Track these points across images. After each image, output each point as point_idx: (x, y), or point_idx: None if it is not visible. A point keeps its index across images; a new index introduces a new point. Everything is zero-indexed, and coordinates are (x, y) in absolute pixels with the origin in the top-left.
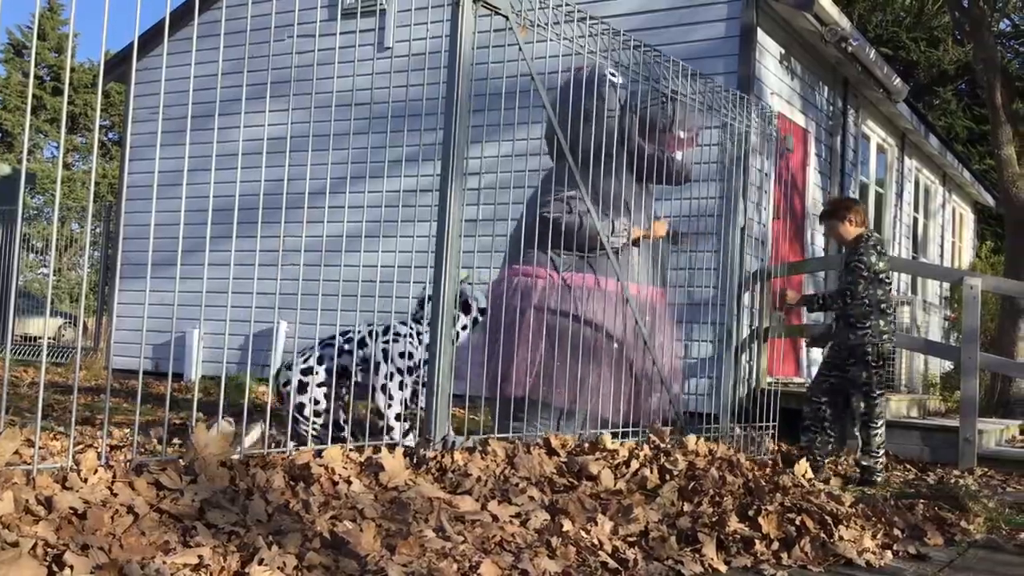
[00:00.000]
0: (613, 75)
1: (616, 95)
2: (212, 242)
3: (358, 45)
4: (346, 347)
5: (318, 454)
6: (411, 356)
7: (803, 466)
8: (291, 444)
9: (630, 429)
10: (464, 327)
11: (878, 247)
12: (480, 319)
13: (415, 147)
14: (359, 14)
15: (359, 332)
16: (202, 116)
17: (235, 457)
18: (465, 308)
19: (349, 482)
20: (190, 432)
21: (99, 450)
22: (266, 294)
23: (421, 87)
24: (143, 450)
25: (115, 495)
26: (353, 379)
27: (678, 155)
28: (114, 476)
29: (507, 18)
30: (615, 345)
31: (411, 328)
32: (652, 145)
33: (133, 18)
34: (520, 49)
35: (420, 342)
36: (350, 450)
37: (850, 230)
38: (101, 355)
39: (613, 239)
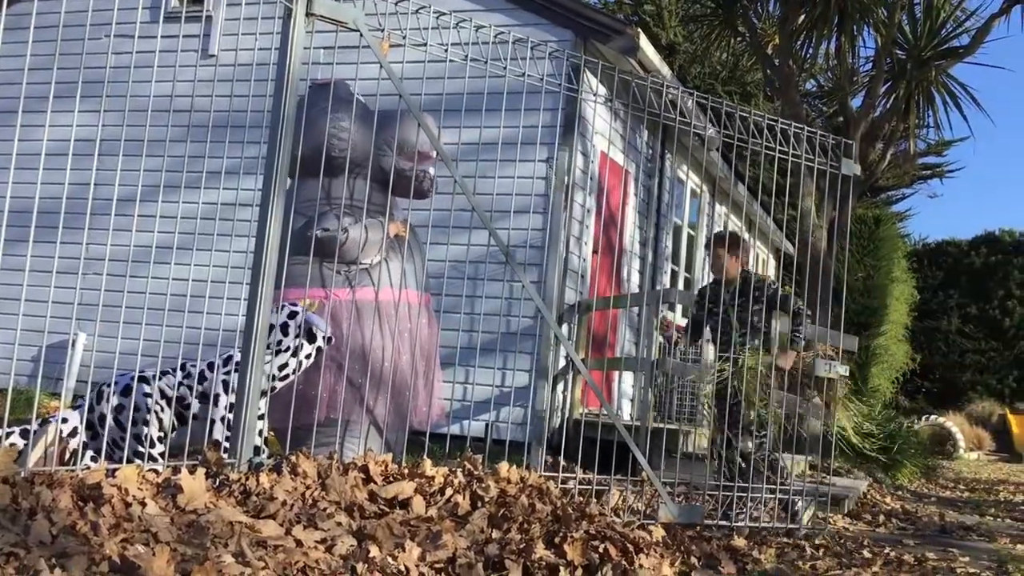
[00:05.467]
0: (350, 92)
1: (354, 109)
2: (6, 246)
3: (180, 50)
4: (183, 379)
5: (111, 473)
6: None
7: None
8: (89, 455)
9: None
10: (308, 355)
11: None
12: (324, 348)
13: (236, 159)
14: (183, 19)
15: (199, 365)
16: (4, 112)
17: (19, 475)
18: (310, 337)
19: (144, 504)
20: None
21: None
22: (63, 303)
23: (246, 98)
24: None
25: None
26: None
27: (431, 170)
28: None
29: (361, 33)
30: (404, 353)
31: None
32: (400, 159)
33: None
34: (382, 66)
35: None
36: (147, 470)
37: (734, 265)
38: None
39: (374, 250)
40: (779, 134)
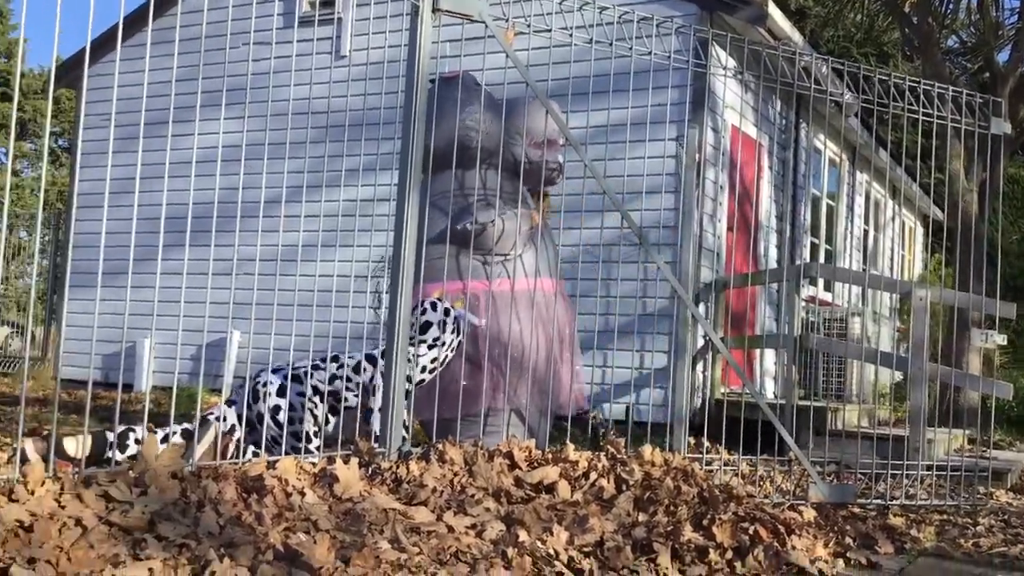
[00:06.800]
0: (477, 84)
1: (482, 99)
2: (164, 251)
3: (315, 53)
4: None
5: (271, 465)
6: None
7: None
8: (251, 449)
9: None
10: (453, 347)
11: None
12: (463, 340)
13: (372, 156)
14: (316, 22)
15: (352, 357)
16: (155, 123)
17: (186, 468)
18: (457, 329)
19: (303, 493)
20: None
21: (47, 462)
22: (219, 303)
23: (378, 96)
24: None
25: (63, 507)
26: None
27: (560, 157)
28: (62, 488)
29: (486, 24)
30: (543, 342)
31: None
32: (529, 148)
33: (85, 23)
34: (508, 56)
35: (415, 363)
36: (304, 461)
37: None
38: (49, 365)
39: (519, 240)
40: (921, 95)
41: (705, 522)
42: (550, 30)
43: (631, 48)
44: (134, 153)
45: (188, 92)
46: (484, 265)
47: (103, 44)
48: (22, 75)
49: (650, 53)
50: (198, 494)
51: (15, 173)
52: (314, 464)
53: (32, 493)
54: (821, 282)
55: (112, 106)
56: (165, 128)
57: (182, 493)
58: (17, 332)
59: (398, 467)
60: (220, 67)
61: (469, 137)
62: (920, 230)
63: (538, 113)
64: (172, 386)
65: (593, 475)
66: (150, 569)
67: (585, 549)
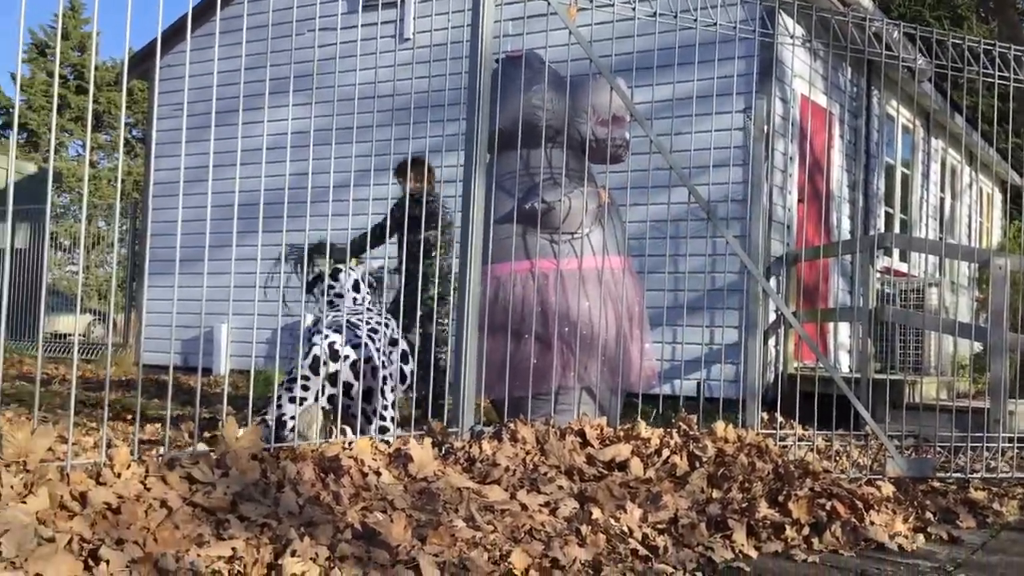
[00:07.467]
0: (541, 62)
1: (547, 77)
2: (239, 237)
3: (379, 37)
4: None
5: (348, 445)
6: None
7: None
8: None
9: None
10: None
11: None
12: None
13: (438, 138)
14: (379, 6)
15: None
16: (225, 112)
17: (267, 450)
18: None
19: (379, 473)
20: (221, 426)
21: (131, 445)
22: (292, 287)
23: (443, 77)
24: (175, 445)
25: (148, 489)
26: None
27: (626, 134)
28: (147, 471)
29: (548, 2)
30: (613, 320)
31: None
32: (595, 125)
33: (154, 15)
34: (571, 32)
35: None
36: (379, 441)
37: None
38: (131, 351)
39: (587, 219)
40: (997, 58)
41: (781, 498)
42: (612, 4)
43: (696, 20)
44: (206, 142)
45: (256, 80)
46: (552, 244)
47: (173, 35)
48: (96, 68)
49: (715, 24)
50: (278, 475)
51: (92, 164)
52: (389, 444)
53: (119, 476)
54: (896, 252)
55: (184, 96)
56: (235, 116)
57: (262, 474)
58: (99, 319)
59: (471, 446)
60: (287, 54)
61: (535, 116)
62: (999, 196)
63: (603, 89)
64: (250, 369)
65: (665, 452)
66: (233, 548)
67: (659, 526)
